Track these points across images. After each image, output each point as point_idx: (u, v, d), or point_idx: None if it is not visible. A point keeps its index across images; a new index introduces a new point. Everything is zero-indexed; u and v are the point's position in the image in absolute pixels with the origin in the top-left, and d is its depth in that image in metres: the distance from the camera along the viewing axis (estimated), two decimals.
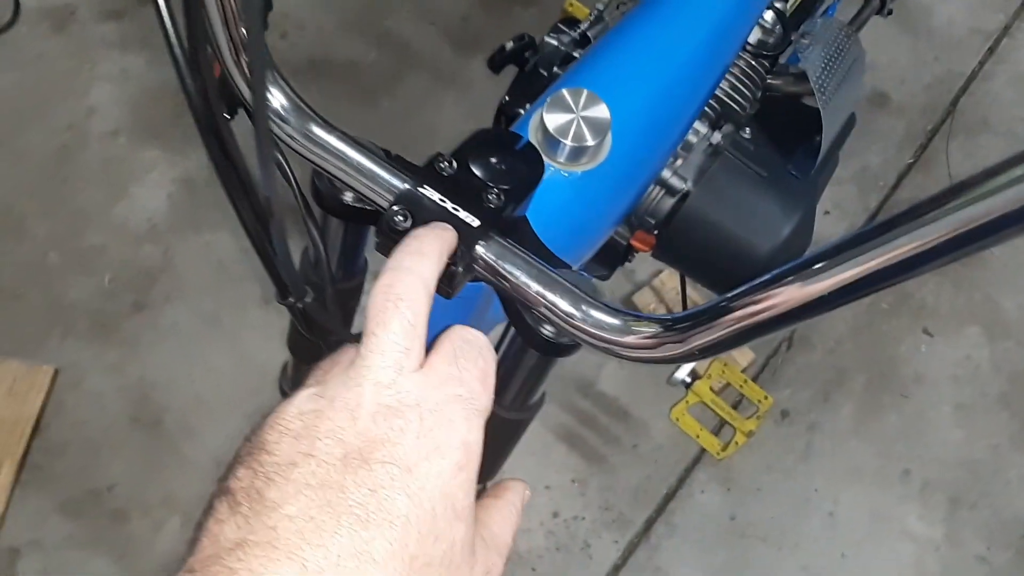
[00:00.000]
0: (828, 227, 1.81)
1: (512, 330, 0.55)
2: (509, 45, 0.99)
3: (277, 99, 0.48)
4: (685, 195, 0.93)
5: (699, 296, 1.65)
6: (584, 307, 0.46)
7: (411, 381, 0.38)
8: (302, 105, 0.49)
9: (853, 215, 1.84)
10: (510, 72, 1.03)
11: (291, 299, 0.48)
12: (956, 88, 1.99)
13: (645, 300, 1.68)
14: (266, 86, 0.45)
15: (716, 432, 1.59)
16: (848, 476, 1.61)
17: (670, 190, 0.93)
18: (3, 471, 1.46)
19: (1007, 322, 1.76)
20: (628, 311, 0.46)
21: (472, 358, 0.39)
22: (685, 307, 1.60)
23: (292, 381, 0.75)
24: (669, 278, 1.67)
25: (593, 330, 0.46)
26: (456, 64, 1.91)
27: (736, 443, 1.48)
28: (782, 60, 1.07)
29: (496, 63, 1.01)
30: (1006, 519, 1.60)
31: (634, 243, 1.00)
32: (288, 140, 0.48)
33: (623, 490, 1.58)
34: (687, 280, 1.44)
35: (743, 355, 1.67)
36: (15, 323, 1.61)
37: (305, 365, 0.71)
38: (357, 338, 0.66)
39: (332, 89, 1.86)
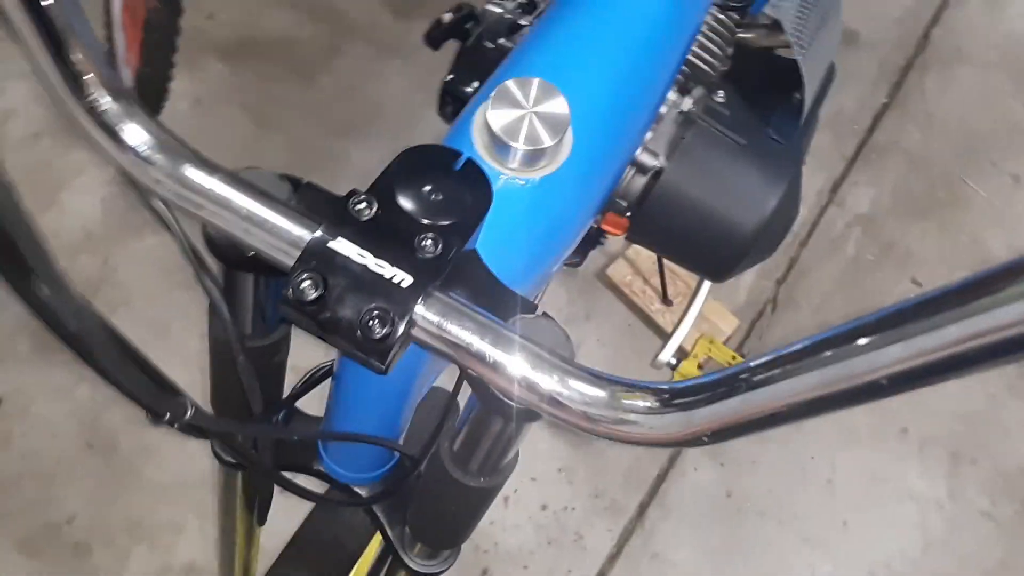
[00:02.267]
0: (805, 177, 1.72)
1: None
2: (447, 17, 0.88)
3: (136, 136, 0.36)
4: (658, 172, 0.83)
5: (678, 268, 1.56)
6: (555, 375, 0.36)
7: None
8: (171, 141, 0.37)
9: (830, 163, 1.75)
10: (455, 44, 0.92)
11: (167, 417, 0.37)
12: (927, 19, 1.89)
13: (620, 272, 1.59)
14: None
15: None
16: (844, 439, 1.54)
17: (641, 168, 0.83)
18: None
19: (996, 262, 1.68)
20: (615, 378, 0.36)
21: None
22: (664, 285, 1.51)
23: (221, 443, 0.64)
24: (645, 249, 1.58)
25: (569, 404, 0.36)
26: (398, 31, 1.78)
27: None
28: (751, 10, 0.97)
29: (434, 38, 0.90)
30: (1008, 471, 1.54)
31: (605, 227, 0.90)
32: (157, 188, 0.37)
33: (613, 475, 1.50)
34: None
35: (726, 321, 1.58)
36: None
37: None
38: (259, 430, 0.55)
39: (265, 69, 1.72)
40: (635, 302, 1.57)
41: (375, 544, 0.80)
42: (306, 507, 0.88)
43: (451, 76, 0.90)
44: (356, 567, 0.78)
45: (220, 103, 1.68)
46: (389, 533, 0.64)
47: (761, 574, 1.45)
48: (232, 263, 0.45)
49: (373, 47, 1.76)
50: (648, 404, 0.34)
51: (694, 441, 0.33)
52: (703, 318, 1.53)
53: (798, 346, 0.31)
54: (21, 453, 1.45)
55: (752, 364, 0.32)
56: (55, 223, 1.59)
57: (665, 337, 1.47)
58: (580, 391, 0.35)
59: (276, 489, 0.77)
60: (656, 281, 1.54)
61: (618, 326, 1.58)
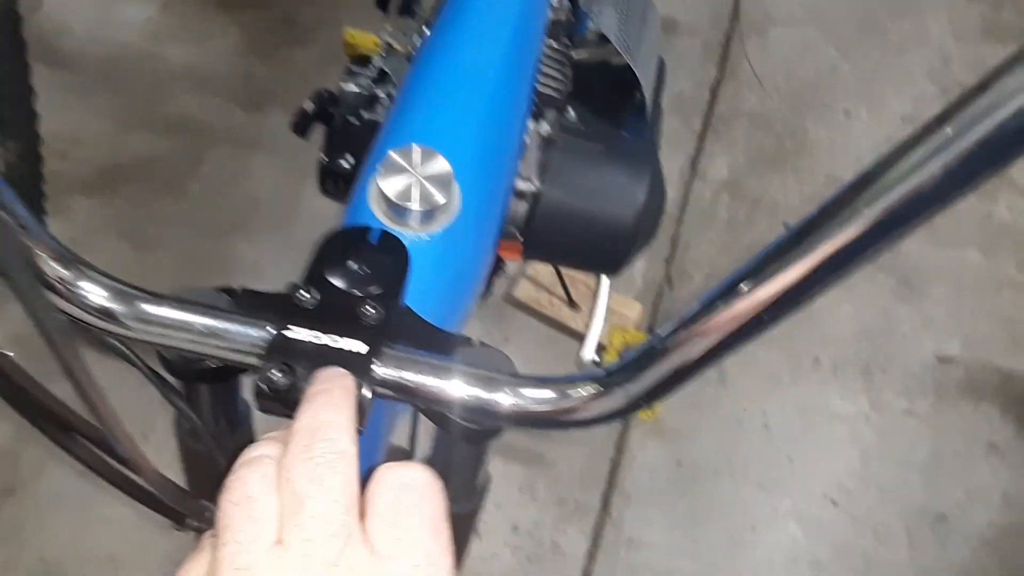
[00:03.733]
0: (665, 161, 1.84)
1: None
2: (309, 107, 0.93)
3: (94, 294, 0.41)
4: (536, 195, 0.91)
5: (576, 273, 1.64)
6: (508, 389, 0.42)
7: (359, 553, 0.31)
8: (123, 288, 0.42)
9: (684, 142, 1.88)
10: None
11: (195, 524, 0.42)
12: None
13: (525, 291, 1.66)
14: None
15: None
16: (766, 385, 1.66)
17: (520, 194, 0.91)
18: None
19: None
20: (557, 377, 0.43)
21: (415, 510, 0.33)
22: (567, 291, 1.59)
23: None
24: (542, 264, 1.66)
25: (527, 409, 0.42)
26: (253, 125, 1.82)
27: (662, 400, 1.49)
28: (578, 31, 1.06)
29: (300, 128, 0.95)
30: (915, 369, 1.69)
31: (502, 254, 0.97)
32: (123, 332, 0.42)
33: (570, 479, 1.57)
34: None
35: (631, 308, 1.68)
36: None
37: None
38: None
39: (134, 193, 1.73)
40: (546, 314, 1.65)
41: None
42: None
43: (325, 157, 0.96)
44: None
45: (96, 237, 1.68)
46: None
47: (730, 528, 1.54)
48: (189, 378, 0.49)
49: (233, 146, 1.79)
50: (591, 390, 0.41)
51: (634, 407, 0.40)
52: (610, 311, 1.62)
53: (696, 306, 0.38)
54: None
55: (662, 334, 0.40)
56: None
57: (581, 338, 1.56)
58: (532, 396, 0.42)
59: None
60: (559, 290, 1.62)
61: (537, 340, 1.66)
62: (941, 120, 0.31)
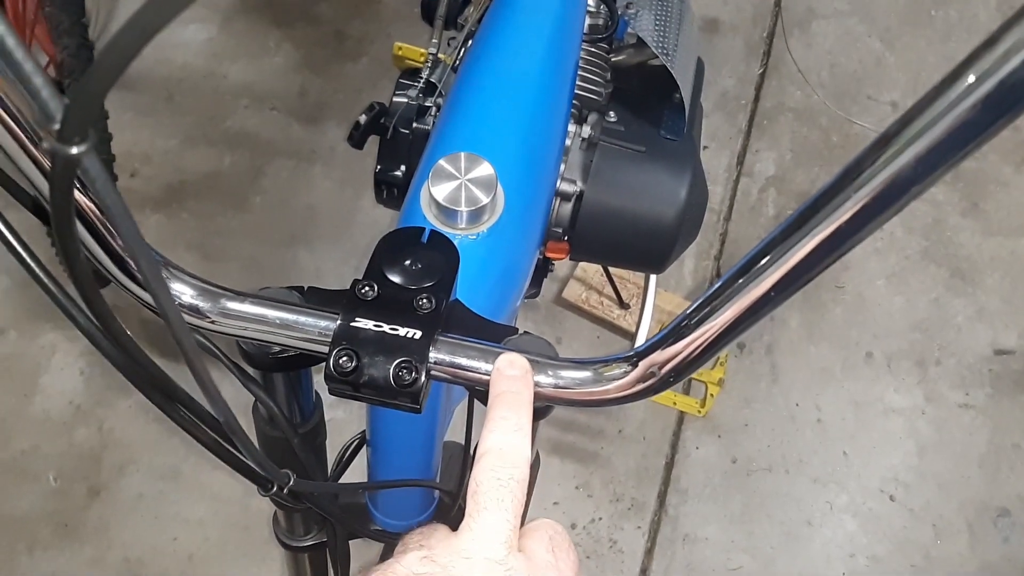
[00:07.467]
0: (711, 159, 1.86)
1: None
2: (362, 119, 0.99)
3: (185, 294, 0.46)
4: (580, 195, 0.95)
5: (624, 272, 1.67)
6: (549, 372, 0.46)
7: (519, 561, 0.39)
8: (208, 287, 0.47)
9: (729, 140, 1.89)
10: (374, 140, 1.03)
11: (274, 487, 0.47)
12: None
13: (575, 292, 1.70)
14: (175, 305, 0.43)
15: (688, 392, 1.62)
16: (820, 380, 1.66)
17: (565, 196, 0.95)
18: None
19: None
20: (592, 359, 0.47)
21: (566, 549, 0.42)
22: (616, 291, 1.63)
23: (286, 530, 0.73)
24: (592, 265, 1.69)
25: (566, 390, 0.46)
26: (310, 138, 1.89)
27: (711, 395, 1.51)
28: (616, 36, 1.09)
29: (356, 140, 1.01)
30: (970, 361, 1.68)
31: (550, 255, 1.01)
32: (208, 326, 0.47)
33: (626, 476, 1.59)
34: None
35: (681, 307, 1.70)
36: None
37: (296, 514, 0.70)
38: (343, 488, 0.65)
39: (200, 207, 1.82)
40: (596, 314, 1.68)
41: None
42: None
43: (379, 167, 1.01)
44: None
45: (166, 250, 1.73)
46: None
47: (786, 524, 1.55)
48: (266, 368, 0.55)
49: (292, 159, 1.86)
50: (622, 369, 0.45)
51: (664, 383, 0.43)
52: (660, 310, 1.65)
53: (717, 284, 0.42)
54: None
55: (683, 315, 0.43)
56: (43, 406, 1.65)
57: (632, 337, 1.59)
58: (571, 377, 0.46)
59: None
60: (609, 290, 1.65)
61: (588, 340, 1.69)
62: (954, 76, 0.31)
